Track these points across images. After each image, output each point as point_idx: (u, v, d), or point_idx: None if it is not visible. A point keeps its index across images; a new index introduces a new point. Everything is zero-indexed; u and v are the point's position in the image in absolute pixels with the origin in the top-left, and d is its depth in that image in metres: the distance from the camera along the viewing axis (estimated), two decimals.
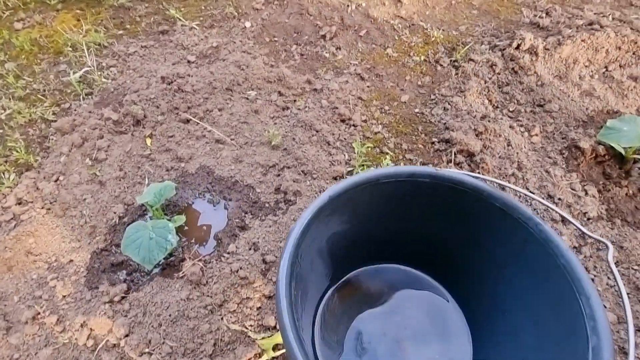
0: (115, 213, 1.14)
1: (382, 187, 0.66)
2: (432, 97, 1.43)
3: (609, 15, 1.52)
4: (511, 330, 0.67)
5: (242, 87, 1.44)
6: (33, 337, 0.93)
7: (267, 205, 1.13)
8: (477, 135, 1.21)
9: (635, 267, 0.94)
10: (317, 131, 1.30)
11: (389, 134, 1.32)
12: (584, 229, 0.57)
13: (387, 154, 1.24)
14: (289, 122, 1.35)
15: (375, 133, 1.32)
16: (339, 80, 1.49)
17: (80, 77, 1.57)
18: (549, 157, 1.18)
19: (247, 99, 1.41)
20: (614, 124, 1.13)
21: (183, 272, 0.97)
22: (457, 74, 1.47)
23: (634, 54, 1.39)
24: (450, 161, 1.18)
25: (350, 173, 1.20)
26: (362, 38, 1.67)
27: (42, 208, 1.15)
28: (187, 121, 1.35)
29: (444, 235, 0.73)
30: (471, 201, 0.64)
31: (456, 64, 1.51)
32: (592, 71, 1.38)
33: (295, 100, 1.43)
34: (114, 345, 0.90)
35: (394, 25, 1.69)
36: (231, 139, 1.30)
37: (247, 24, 1.80)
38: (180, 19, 1.82)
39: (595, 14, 1.54)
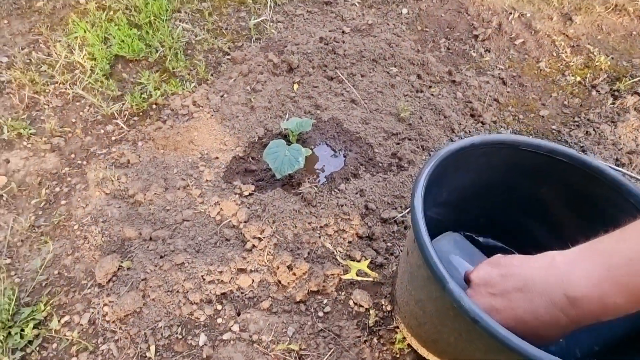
0: (257, 133, 1.40)
1: (520, 155, 0.72)
2: (576, 119, 1.37)
3: None
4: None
5: (387, 62, 1.59)
6: (181, 200, 1.23)
7: (381, 164, 1.26)
8: (617, 166, 1.14)
9: None
10: (445, 117, 1.37)
11: None
12: None
13: None
14: (420, 103, 1.45)
15: None
16: (480, 79, 1.53)
17: (255, 24, 1.91)
18: None
19: (388, 73, 1.55)
20: None
21: (300, 190, 1.16)
22: (613, 103, 1.38)
23: None
24: None
25: None
26: (516, 46, 1.66)
27: (208, 113, 1.48)
28: (332, 79, 1.55)
29: (567, 222, 0.75)
30: (606, 194, 0.66)
31: (616, 93, 1.41)
32: None
33: (430, 87, 1.52)
34: (234, 225, 1.14)
35: (555, 41, 1.64)
36: (365, 102, 1.45)
37: (404, 11, 1.93)
38: None
39: None
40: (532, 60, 1.60)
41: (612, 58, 1.56)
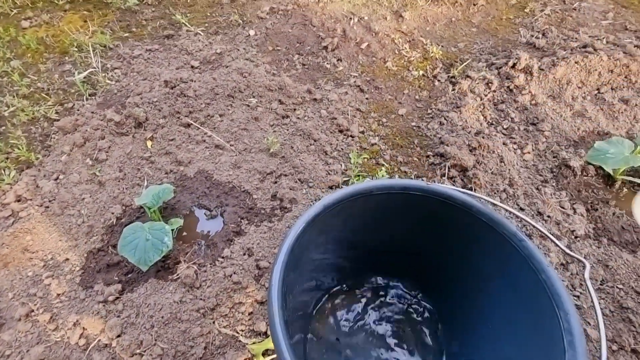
0: (113, 214, 1.15)
1: (375, 199, 0.67)
2: (429, 111, 1.45)
3: (603, 38, 1.56)
4: (493, 339, 0.69)
5: (244, 94, 1.46)
6: (25, 335, 0.93)
7: (263, 211, 1.14)
8: (470, 151, 1.23)
9: (620, 286, 0.95)
10: (315, 140, 1.32)
11: (386, 146, 1.34)
12: (563, 247, 0.59)
13: (382, 165, 1.26)
14: (287, 130, 1.37)
15: (372, 144, 1.34)
16: (339, 91, 1.51)
17: (85, 77, 1.59)
18: (540, 175, 1.21)
19: (248, 106, 1.44)
20: (601, 146, 1.16)
21: (177, 275, 0.98)
22: (454, 89, 1.50)
23: (625, 77, 1.42)
24: (444, 175, 1.20)
25: (346, 183, 1.22)
26: (362, 51, 1.70)
27: (41, 206, 1.16)
28: (188, 125, 1.37)
29: (433, 247, 0.74)
30: (460, 216, 0.66)
31: (453, 80, 1.54)
32: (584, 93, 1.41)
33: (295, 109, 1.45)
34: (106, 345, 0.91)
35: (394, 40, 1.72)
36: (230, 145, 1.31)
37: (252, 32, 1.83)
38: (185, 24, 1.85)
39: (590, 37, 1.58)
40: (380, 61, 1.66)
41: (442, 46, 1.70)
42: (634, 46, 1.50)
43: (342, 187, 0.65)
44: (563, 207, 1.10)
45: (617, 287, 0.96)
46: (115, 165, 1.26)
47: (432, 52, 1.65)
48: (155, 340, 0.89)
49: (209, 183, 1.21)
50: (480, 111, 1.41)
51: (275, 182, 1.21)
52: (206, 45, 1.76)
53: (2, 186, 1.21)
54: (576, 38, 1.58)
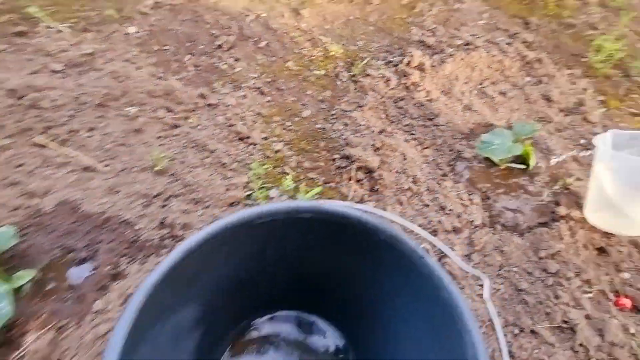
0: None
1: (259, 228, 0.54)
2: (333, 112, 1.38)
3: (481, 37, 1.66)
4: (399, 356, 0.63)
5: (120, 102, 1.20)
6: None
7: (148, 244, 0.93)
8: (375, 151, 1.18)
9: (515, 269, 0.99)
10: (211, 152, 1.13)
11: (291, 152, 1.22)
12: (461, 264, 0.54)
13: (287, 174, 1.14)
14: (179, 142, 1.16)
15: (276, 151, 1.21)
16: (237, 95, 1.34)
17: None
18: (440, 169, 1.21)
19: (127, 116, 1.18)
20: (487, 138, 1.20)
21: (24, 349, 0.72)
22: (355, 88, 1.44)
23: (501, 72, 1.52)
24: (351, 178, 1.12)
25: (249, 197, 1.07)
26: (262, 50, 1.55)
27: None
28: (44, 145, 1.07)
29: (331, 269, 0.65)
30: (356, 234, 0.57)
31: (354, 78, 1.48)
32: (470, 87, 1.47)
33: (187, 117, 1.24)
34: None
35: (294, 38, 1.61)
36: (104, 166, 1.06)
37: (132, 30, 1.54)
38: (43, 20, 1.48)
39: (470, 35, 1.67)
40: (280, 61, 1.53)
41: (342, 45, 1.64)
42: (506, 44, 1.62)
43: (219, 218, 0.50)
44: (462, 199, 1.11)
45: (512, 270, 0.99)
46: None
47: (332, 51, 1.58)
48: None
49: (75, 217, 0.95)
50: (382, 109, 1.38)
51: (164, 206, 1.00)
52: (72, 44, 1.43)
53: None
54: (459, 36, 1.65)
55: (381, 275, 0.60)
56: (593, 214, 1.05)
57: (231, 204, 1.03)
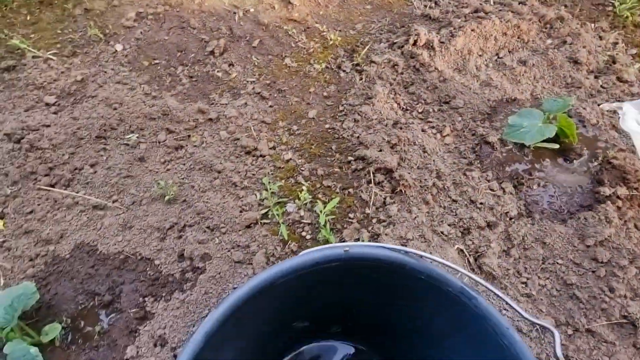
0: None
1: (286, 284, 0.49)
2: (341, 108, 1.29)
3: (491, 0, 1.51)
4: None
5: (118, 131, 1.15)
6: None
7: (171, 278, 0.90)
8: (392, 148, 1.10)
9: (560, 261, 0.92)
10: (219, 172, 1.08)
11: (302, 160, 1.15)
12: (523, 313, 0.46)
13: (302, 184, 1.08)
14: (184, 165, 1.11)
15: (287, 161, 1.14)
16: (237, 104, 1.27)
17: None
18: (464, 158, 1.12)
19: (128, 145, 1.13)
20: (514, 121, 1.10)
21: None
22: (361, 78, 1.34)
23: (518, 38, 1.39)
24: (370, 182, 1.05)
25: (265, 216, 1.02)
26: (255, 49, 1.45)
27: None
28: (52, 186, 1.03)
29: (373, 310, 0.59)
30: (394, 276, 0.51)
31: (359, 67, 1.38)
32: (486, 60, 1.35)
33: (189, 136, 1.18)
34: None
35: (288, 31, 1.50)
36: (113, 202, 1.02)
37: (118, 47, 1.46)
38: (29, 49, 1.42)
39: (479, 0, 1.52)
40: (277, 58, 1.43)
41: (340, 31, 1.52)
42: (519, 3, 1.47)
43: (233, 290, 0.45)
44: (492, 189, 1.03)
45: (557, 262, 0.92)
46: None
47: (331, 40, 1.47)
48: None
49: (94, 259, 0.92)
50: (393, 98, 1.28)
51: (180, 237, 0.96)
52: (62, 72, 1.37)
53: None
54: (466, 3, 1.51)
55: (429, 314, 0.54)
56: None
57: (247, 227, 0.99)
